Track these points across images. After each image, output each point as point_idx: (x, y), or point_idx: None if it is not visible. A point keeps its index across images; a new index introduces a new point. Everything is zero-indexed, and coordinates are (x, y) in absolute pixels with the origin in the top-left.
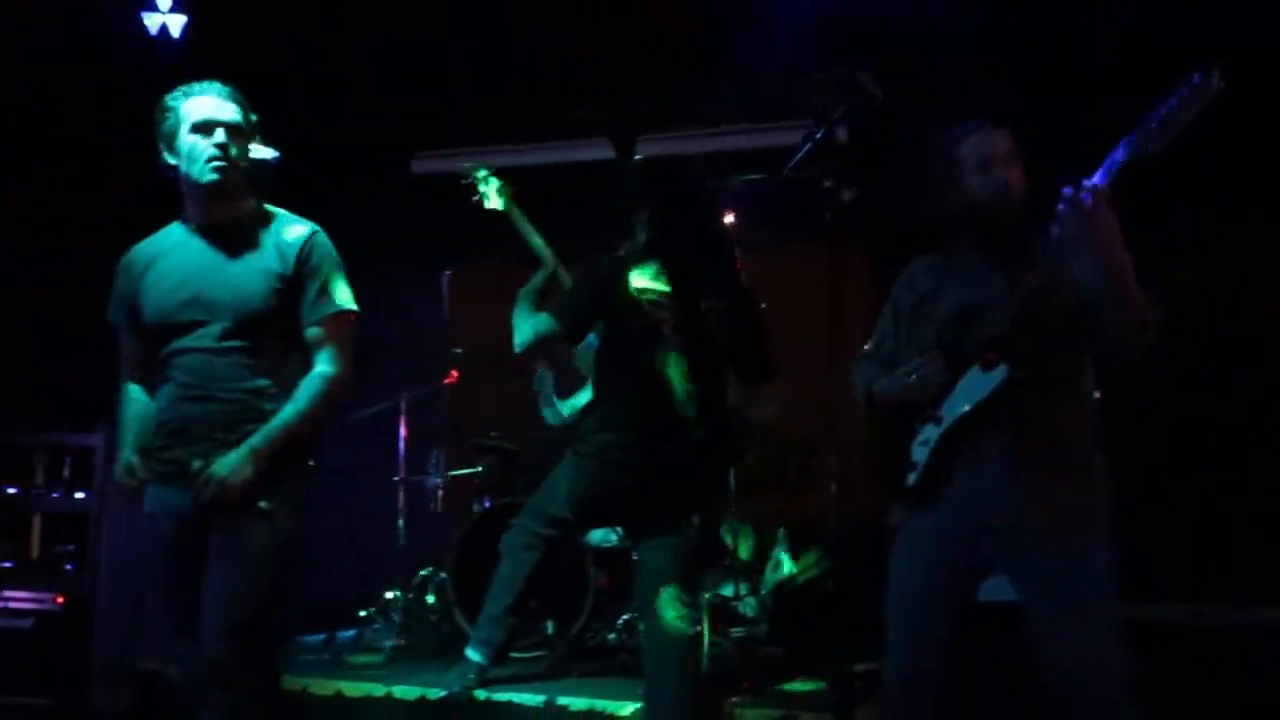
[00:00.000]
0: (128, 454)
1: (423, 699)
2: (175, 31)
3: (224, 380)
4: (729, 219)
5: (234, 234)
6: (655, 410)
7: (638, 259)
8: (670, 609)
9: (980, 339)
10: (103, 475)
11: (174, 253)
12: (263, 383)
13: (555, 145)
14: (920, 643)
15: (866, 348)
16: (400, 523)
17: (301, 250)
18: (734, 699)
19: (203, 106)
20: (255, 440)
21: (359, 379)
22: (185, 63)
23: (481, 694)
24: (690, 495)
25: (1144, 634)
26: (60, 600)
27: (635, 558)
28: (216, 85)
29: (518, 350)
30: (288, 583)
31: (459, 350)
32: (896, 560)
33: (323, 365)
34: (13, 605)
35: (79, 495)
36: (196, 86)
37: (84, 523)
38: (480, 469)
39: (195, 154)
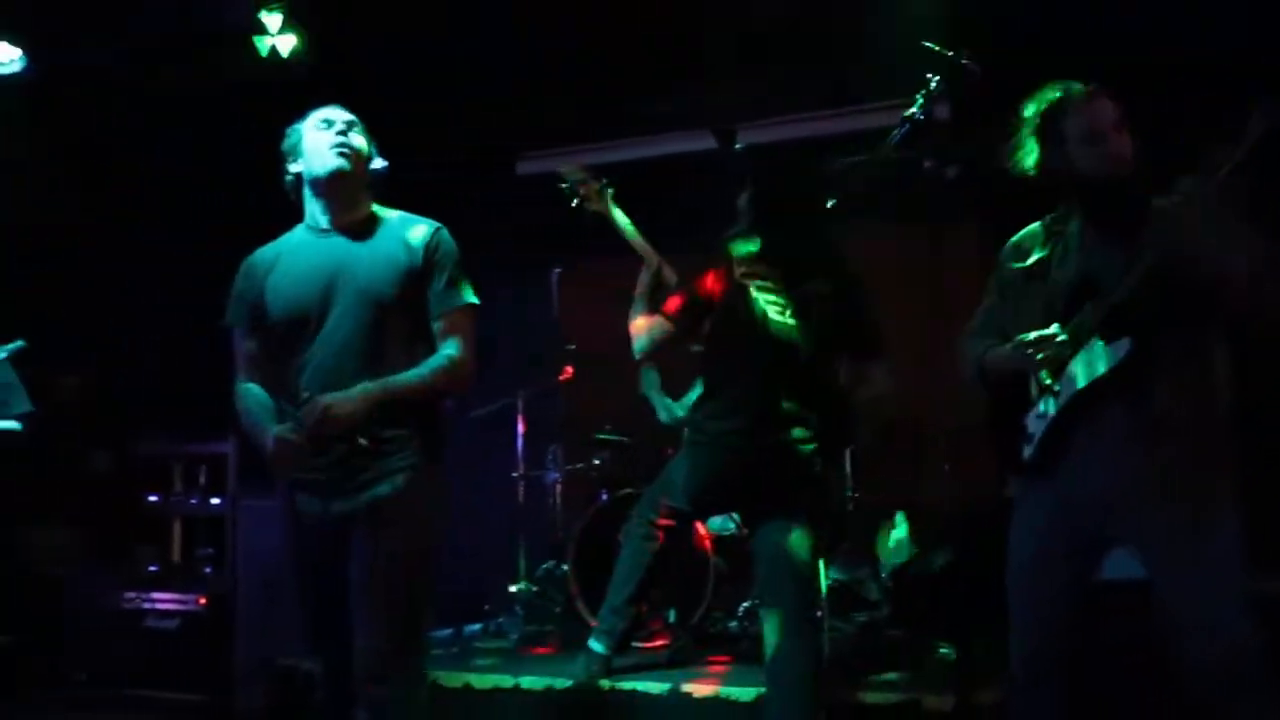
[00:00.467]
0: (274, 428)
1: (550, 689)
2: (285, 52)
3: (353, 374)
4: (831, 202)
5: (358, 232)
6: (768, 396)
7: (743, 247)
8: (790, 594)
9: (1101, 312)
10: (235, 481)
11: (299, 252)
12: (390, 375)
13: (656, 139)
14: (1039, 619)
15: (973, 322)
16: (521, 518)
17: (429, 244)
18: (856, 683)
19: (322, 112)
20: (369, 384)
21: (477, 377)
22: (300, 77)
23: (606, 683)
24: (806, 479)
25: (1275, 608)
26: (203, 601)
27: (752, 545)
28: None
29: (638, 356)
30: (430, 580)
31: (572, 347)
32: (1013, 534)
33: (450, 350)
34: (159, 607)
35: (214, 501)
36: (316, 110)
37: (220, 526)
38: (596, 463)
39: (318, 145)
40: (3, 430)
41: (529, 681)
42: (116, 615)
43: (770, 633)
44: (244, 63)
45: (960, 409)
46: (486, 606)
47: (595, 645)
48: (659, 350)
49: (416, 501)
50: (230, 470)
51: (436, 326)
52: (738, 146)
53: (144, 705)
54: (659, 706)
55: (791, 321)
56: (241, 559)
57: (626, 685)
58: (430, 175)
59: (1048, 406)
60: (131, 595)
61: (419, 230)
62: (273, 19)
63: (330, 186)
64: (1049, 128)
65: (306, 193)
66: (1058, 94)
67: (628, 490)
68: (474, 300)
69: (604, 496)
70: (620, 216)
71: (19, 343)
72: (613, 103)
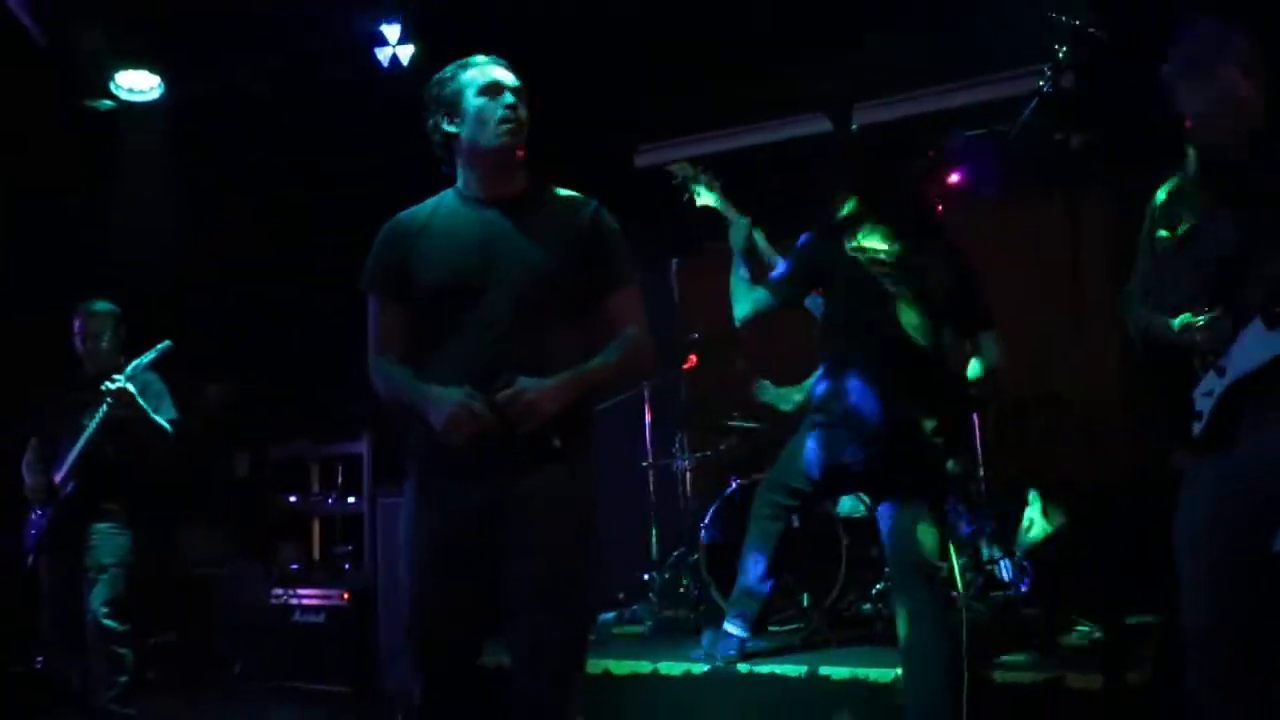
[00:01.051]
0: (451, 392)
1: (688, 673)
2: (405, 61)
3: (510, 353)
4: (954, 176)
5: (517, 205)
6: (891, 372)
7: (852, 223)
8: (920, 581)
9: (1265, 291)
10: (369, 480)
11: (452, 219)
12: (550, 354)
13: (772, 125)
14: (1217, 586)
15: (1132, 283)
16: (651, 506)
17: (595, 221)
18: (996, 662)
19: (488, 70)
20: (566, 374)
21: None
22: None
23: (744, 666)
24: (932, 459)
25: None
26: (346, 596)
27: (882, 525)
28: (494, 56)
29: (738, 324)
30: (594, 562)
31: (696, 335)
32: (1186, 505)
33: (630, 331)
34: (305, 602)
35: (350, 500)
36: (475, 57)
37: (357, 524)
38: (724, 449)
39: (486, 115)
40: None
41: (667, 666)
42: (266, 611)
43: (902, 618)
44: (366, 75)
45: (1098, 381)
46: (620, 595)
47: (731, 628)
48: (759, 320)
49: (578, 490)
50: (365, 470)
51: (607, 305)
52: (853, 127)
53: (294, 696)
54: (797, 688)
55: (908, 293)
56: (382, 554)
57: (764, 668)
58: (549, 170)
59: (1213, 385)
60: (279, 592)
61: (579, 204)
62: (392, 29)
63: (494, 160)
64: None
65: (461, 157)
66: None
67: (758, 476)
68: (637, 279)
69: (734, 483)
70: (730, 210)
71: (165, 343)
72: (727, 90)
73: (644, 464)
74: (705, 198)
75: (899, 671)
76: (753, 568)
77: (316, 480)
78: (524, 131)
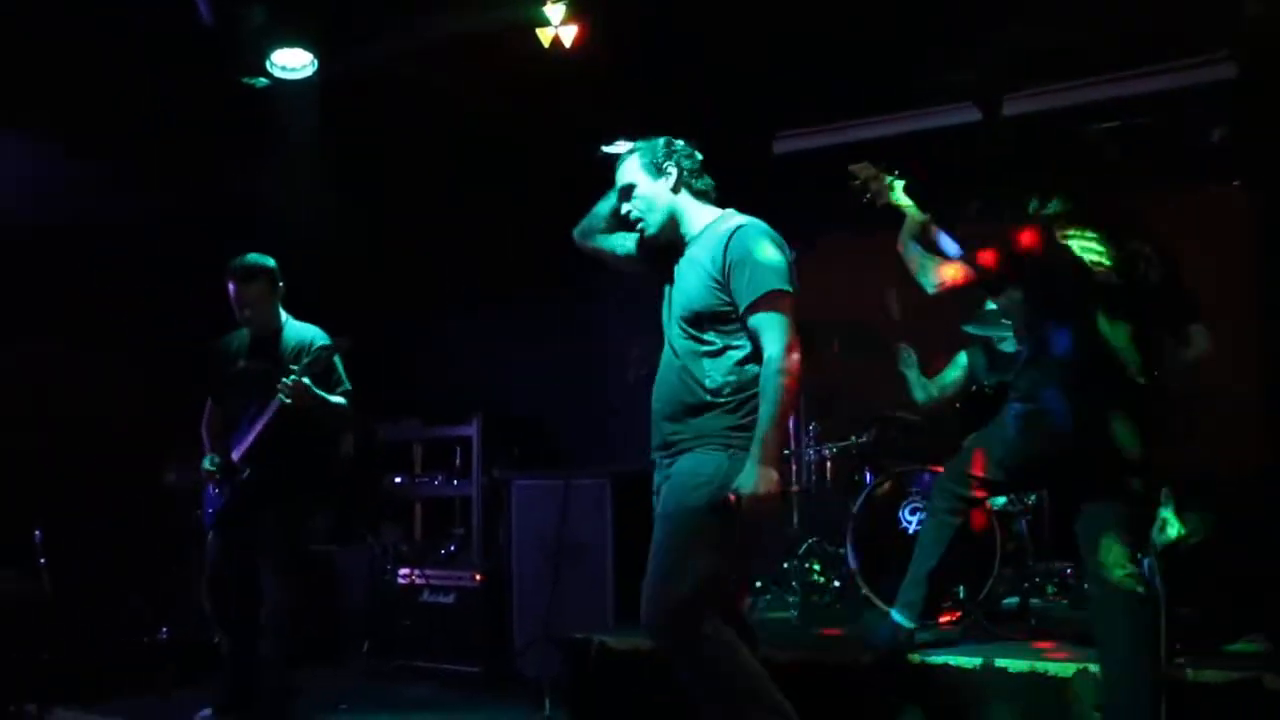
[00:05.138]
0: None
1: (855, 662)
2: (568, 43)
3: (673, 376)
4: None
5: (678, 251)
6: (1096, 366)
7: (1061, 217)
8: (1117, 570)
9: None
10: (479, 462)
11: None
12: (702, 375)
13: (915, 114)
14: None
15: None
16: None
17: (726, 248)
18: (1179, 661)
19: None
20: (755, 452)
21: None
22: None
23: (915, 657)
24: (1135, 453)
25: None
26: (479, 578)
27: (1079, 521)
28: (629, 150)
29: (933, 291)
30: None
31: (829, 323)
32: None
33: (769, 349)
34: (434, 582)
35: (455, 482)
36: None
37: (463, 507)
38: (863, 440)
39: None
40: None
41: (830, 656)
42: (392, 590)
43: (1098, 611)
44: (526, 56)
45: (1233, 379)
46: (758, 583)
47: (898, 618)
48: (954, 291)
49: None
50: (475, 452)
51: (750, 323)
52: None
53: (424, 675)
54: (972, 681)
55: (1119, 281)
56: (516, 535)
57: (937, 659)
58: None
59: None
60: (406, 571)
61: (720, 233)
62: (555, 10)
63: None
64: None
65: None
66: None
67: (911, 467)
68: (776, 285)
69: (868, 475)
70: (913, 209)
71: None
72: (875, 78)
73: (784, 452)
74: (887, 197)
75: (1080, 667)
76: (926, 559)
77: (419, 461)
78: (644, 221)
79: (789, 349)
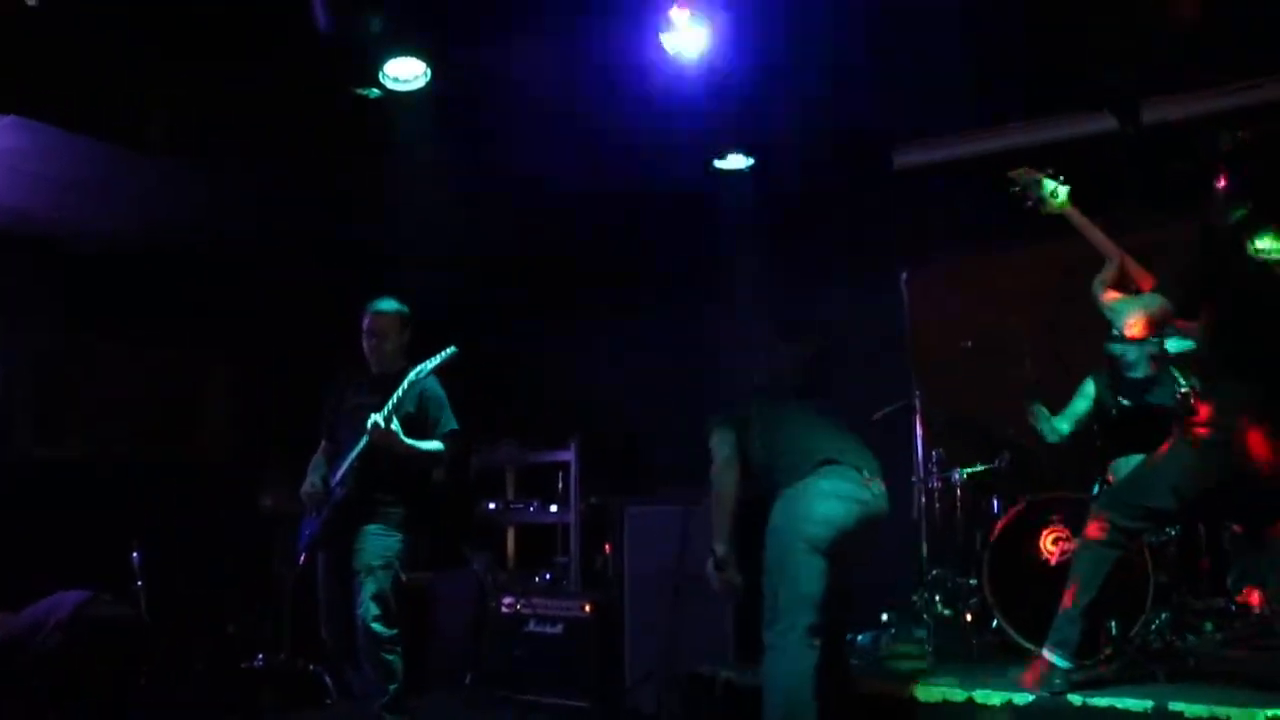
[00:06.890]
0: None
1: (1009, 704)
2: (691, 53)
3: None
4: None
5: None
6: None
7: (1250, 227)
8: None
9: None
10: (577, 488)
11: None
12: None
13: (1044, 124)
14: None
15: None
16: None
17: None
18: None
19: None
20: None
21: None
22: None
23: (1075, 698)
24: None
25: None
26: (589, 608)
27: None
28: None
29: (1130, 332)
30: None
31: (968, 344)
32: None
33: None
34: (540, 612)
35: (552, 508)
36: None
37: (562, 533)
38: (995, 466)
39: None
40: (429, 451)
41: (983, 695)
42: (497, 619)
43: None
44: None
45: None
46: (884, 617)
47: (1054, 658)
48: (1151, 324)
49: None
50: (572, 478)
51: None
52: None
53: (529, 708)
54: None
55: None
56: (629, 564)
57: (1101, 701)
58: (801, 172)
59: None
60: (510, 600)
61: None
62: (681, 15)
63: None
64: None
65: None
66: None
67: (1050, 494)
68: None
69: (995, 503)
70: (1078, 215)
71: (451, 349)
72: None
73: (913, 479)
74: (1053, 205)
75: (1271, 713)
76: (1083, 594)
77: (512, 486)
78: None
79: None
